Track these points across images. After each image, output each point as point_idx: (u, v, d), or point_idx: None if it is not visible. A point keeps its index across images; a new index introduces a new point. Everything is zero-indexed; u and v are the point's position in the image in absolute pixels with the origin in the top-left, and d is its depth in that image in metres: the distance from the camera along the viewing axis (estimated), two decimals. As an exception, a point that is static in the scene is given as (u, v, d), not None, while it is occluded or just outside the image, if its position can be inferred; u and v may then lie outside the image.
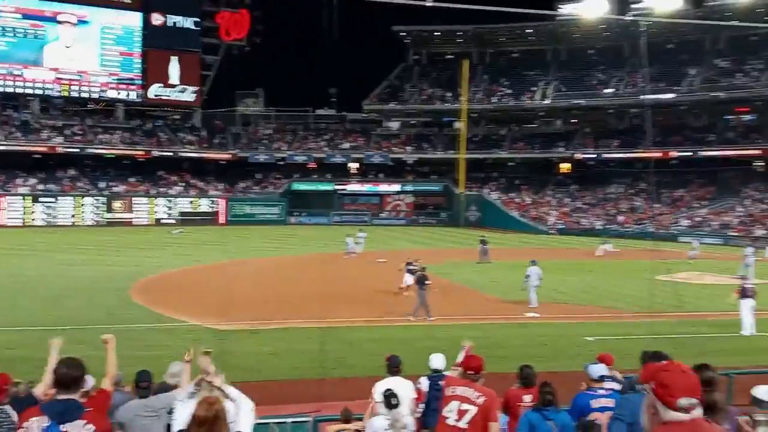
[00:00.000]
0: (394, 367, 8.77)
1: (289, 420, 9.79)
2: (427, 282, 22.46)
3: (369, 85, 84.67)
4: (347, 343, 18.47)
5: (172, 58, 76.78)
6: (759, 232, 55.40)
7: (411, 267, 25.80)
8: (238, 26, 78.02)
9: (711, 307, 24.21)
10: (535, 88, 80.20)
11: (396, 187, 79.72)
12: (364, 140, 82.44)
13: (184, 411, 4.90)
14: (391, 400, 7.53)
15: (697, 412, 2.80)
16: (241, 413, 5.04)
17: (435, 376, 8.73)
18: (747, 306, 20.37)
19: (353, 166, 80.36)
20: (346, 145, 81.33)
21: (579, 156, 75.81)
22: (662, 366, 2.93)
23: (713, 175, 68.85)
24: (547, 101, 78.88)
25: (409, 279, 25.30)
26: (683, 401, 2.76)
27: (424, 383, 8.90)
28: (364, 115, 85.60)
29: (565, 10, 67.67)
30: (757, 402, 3.29)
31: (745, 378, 10.85)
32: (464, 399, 6.48)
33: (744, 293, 20.54)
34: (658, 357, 6.76)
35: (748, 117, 73.52)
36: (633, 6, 70.35)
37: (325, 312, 22.42)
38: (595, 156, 75.21)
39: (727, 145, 69.02)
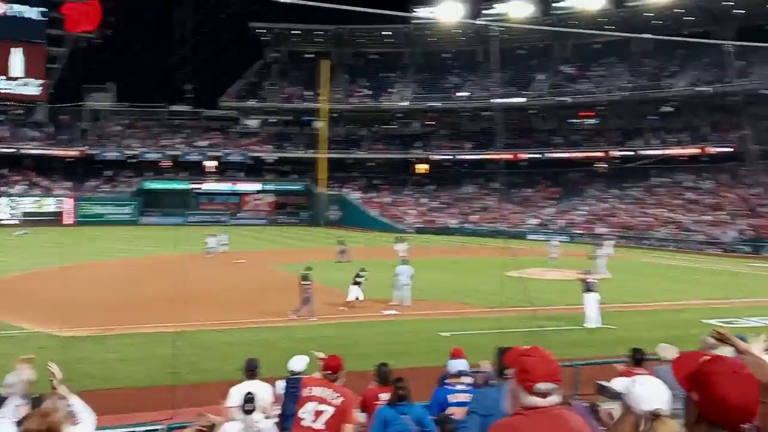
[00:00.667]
0: (251, 371, 8.57)
1: (140, 429, 9.38)
2: (307, 282, 22.11)
3: (226, 81, 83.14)
4: (203, 347, 17.96)
5: (15, 49, 72.19)
6: (601, 230, 58.84)
7: (358, 278, 24.39)
8: (88, 18, 73.64)
9: (557, 301, 25.41)
10: (393, 90, 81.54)
11: (256, 186, 78.65)
12: (222, 138, 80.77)
13: (7, 428, 4.53)
14: (245, 405, 7.34)
15: (555, 398, 2.85)
16: (83, 427, 4.72)
17: (292, 378, 8.62)
18: (592, 299, 21.48)
19: (210, 164, 78.52)
20: (203, 143, 79.36)
21: (435, 157, 77.87)
22: (525, 351, 2.98)
23: (559, 176, 72.63)
24: (404, 103, 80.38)
25: (355, 291, 23.97)
26: (541, 386, 2.81)
27: (280, 386, 8.77)
28: (221, 112, 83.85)
29: (420, 13, 69.14)
30: (604, 391, 3.48)
31: (589, 369, 11.44)
32: (321, 400, 6.39)
33: (588, 287, 21.63)
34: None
35: (591, 121, 78.05)
36: (486, 12, 73.12)
37: (180, 315, 21.73)
38: (450, 157, 77.48)
39: (572, 148, 73.04)
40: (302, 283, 22.02)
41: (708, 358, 2.46)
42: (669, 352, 8.56)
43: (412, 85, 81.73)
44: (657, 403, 2.87)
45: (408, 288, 24.45)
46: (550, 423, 2.81)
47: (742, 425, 2.33)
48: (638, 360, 9.48)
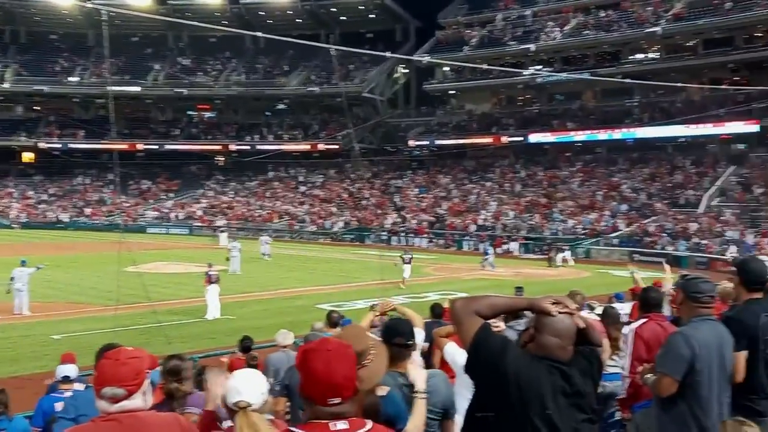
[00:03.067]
0: None
1: None
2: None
3: None
4: None
5: None
6: (220, 222, 59.76)
7: (404, 255, 28.96)
8: None
9: (177, 295, 25.23)
10: (-9, 70, 73.30)
11: None
12: None
13: None
14: None
15: (131, 403, 2.72)
16: None
17: None
18: (214, 292, 21.76)
19: None
20: None
21: (43, 145, 71.94)
22: (107, 354, 2.84)
23: (179, 168, 72.01)
24: (6, 85, 72.75)
25: (407, 271, 28.32)
26: (107, 390, 2.69)
27: None
28: None
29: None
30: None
31: (208, 360, 11.57)
32: None
33: (210, 279, 21.88)
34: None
35: (209, 114, 78.68)
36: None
37: None
38: (60, 146, 72.16)
39: (191, 140, 72.99)
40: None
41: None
42: (286, 338, 9.02)
43: (14, 66, 74.22)
44: (242, 396, 2.95)
45: (25, 293, 22.06)
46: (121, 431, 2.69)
47: (330, 399, 2.46)
48: (246, 348, 9.89)
